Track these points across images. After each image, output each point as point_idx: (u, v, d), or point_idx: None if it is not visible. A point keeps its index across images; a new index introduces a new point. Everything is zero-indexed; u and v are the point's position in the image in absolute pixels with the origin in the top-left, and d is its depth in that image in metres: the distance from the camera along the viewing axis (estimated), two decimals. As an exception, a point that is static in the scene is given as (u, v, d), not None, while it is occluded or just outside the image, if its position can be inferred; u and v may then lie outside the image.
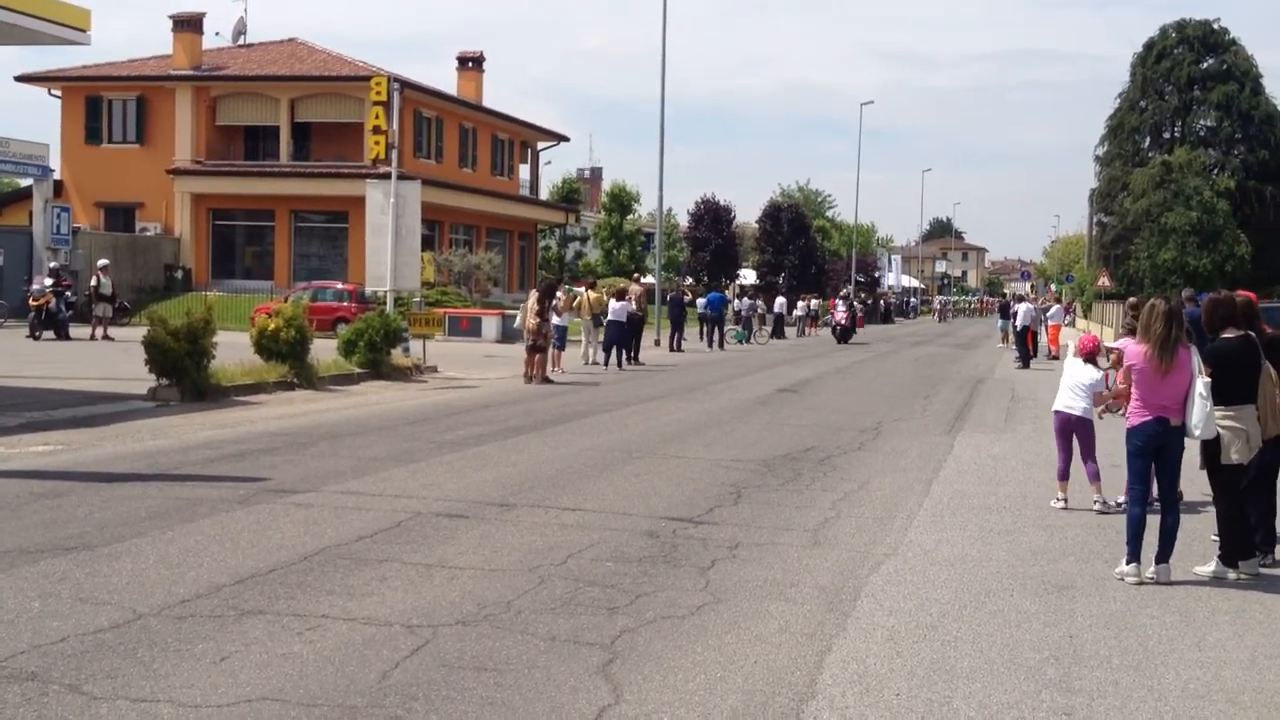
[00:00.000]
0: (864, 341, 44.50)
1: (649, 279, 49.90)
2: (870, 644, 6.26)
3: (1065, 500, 10.49)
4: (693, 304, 39.79)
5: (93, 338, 29.89)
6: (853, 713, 5.23)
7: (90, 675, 5.29)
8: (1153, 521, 7.90)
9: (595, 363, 26.91)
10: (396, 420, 15.45)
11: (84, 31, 19.59)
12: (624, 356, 27.05)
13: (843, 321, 43.45)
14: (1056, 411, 10.75)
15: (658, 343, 35.21)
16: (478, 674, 5.50)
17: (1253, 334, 7.87)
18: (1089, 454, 10.57)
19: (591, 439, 14.15)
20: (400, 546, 8.03)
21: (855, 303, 53.19)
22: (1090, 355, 10.61)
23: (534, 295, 23.07)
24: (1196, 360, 7.76)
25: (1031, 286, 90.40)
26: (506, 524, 8.94)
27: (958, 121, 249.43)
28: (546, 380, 21.81)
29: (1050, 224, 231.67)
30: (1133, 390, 7.80)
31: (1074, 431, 10.61)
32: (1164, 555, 7.78)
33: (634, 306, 27.83)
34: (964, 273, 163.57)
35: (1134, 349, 7.80)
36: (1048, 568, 8.18)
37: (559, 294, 25.98)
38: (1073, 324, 62.18)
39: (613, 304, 26.98)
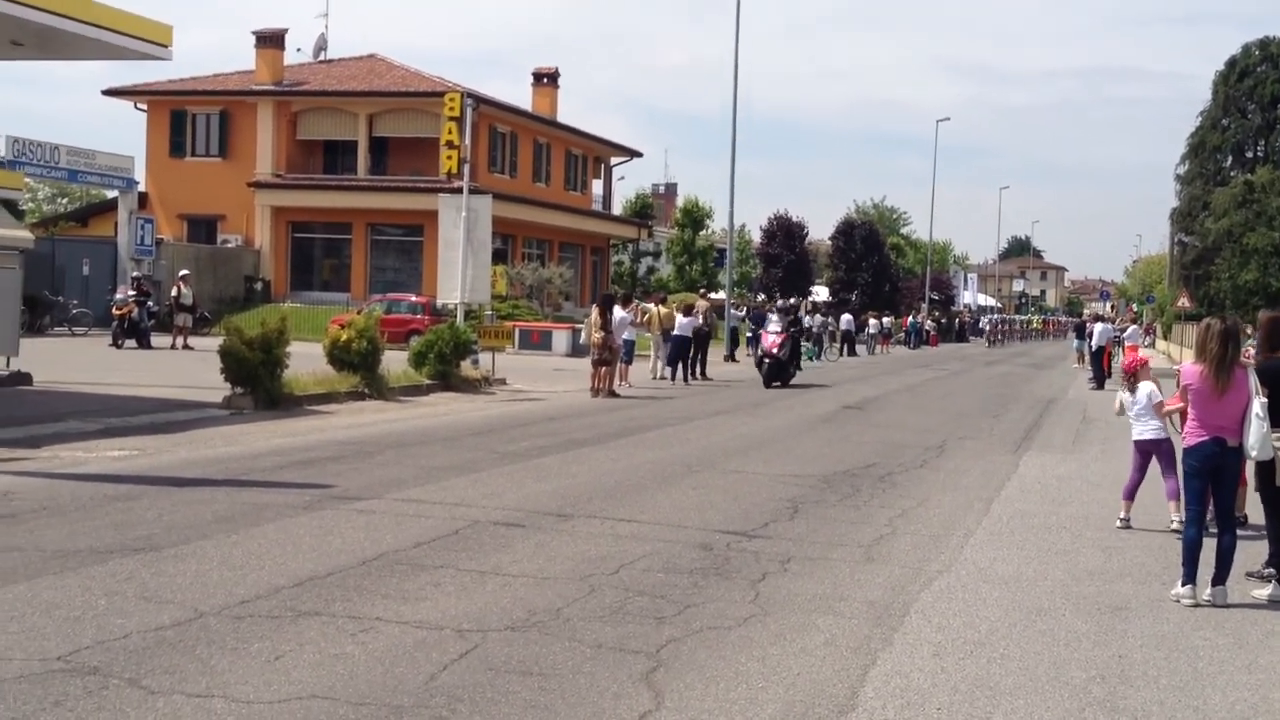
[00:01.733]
0: (925, 363, 44.04)
1: (718, 294, 49.95)
2: (915, 659, 6.28)
3: (1126, 520, 10.40)
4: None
5: (173, 347, 30.60)
6: (891, 726, 5.27)
7: (149, 670, 5.48)
8: (1211, 543, 7.82)
9: (663, 377, 27.01)
10: (462, 431, 15.67)
11: (166, 47, 20.18)
12: (689, 371, 27.14)
13: (773, 351, 26.05)
14: (1135, 441, 10.69)
15: (728, 357, 35.22)
16: (523, 678, 5.62)
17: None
18: (1169, 471, 10.51)
19: (652, 453, 14.25)
20: (456, 553, 8.18)
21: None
22: (1131, 374, 10.71)
23: (595, 309, 23.36)
24: (1254, 380, 7.68)
25: (1112, 306, 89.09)
26: (562, 534, 9.06)
27: (1036, 138, 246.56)
28: (612, 394, 21.95)
29: (1131, 243, 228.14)
30: (1189, 410, 7.74)
31: (1153, 453, 10.59)
32: (1220, 577, 7.69)
33: (700, 321, 27.92)
34: (1042, 292, 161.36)
35: (1190, 369, 7.75)
36: (1103, 588, 8.12)
37: (622, 307, 26.15)
38: (1153, 345, 61.21)
39: (680, 319, 27.09)
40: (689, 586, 7.57)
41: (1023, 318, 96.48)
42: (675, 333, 26.86)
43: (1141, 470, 10.64)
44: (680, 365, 26.78)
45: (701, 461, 13.56)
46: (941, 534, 9.84)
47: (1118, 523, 10.43)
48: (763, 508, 10.62)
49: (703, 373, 28.25)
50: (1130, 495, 10.60)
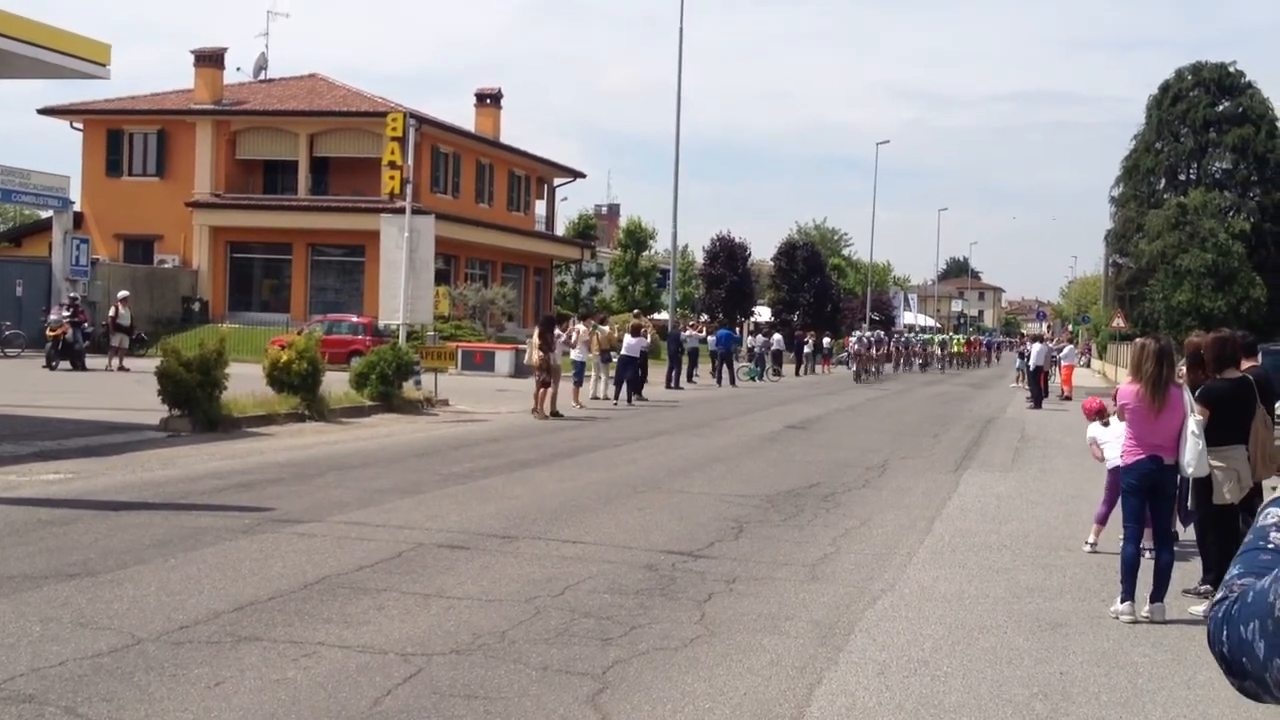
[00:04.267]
0: (866, 383, 44.43)
1: (661, 315, 50.05)
2: (860, 678, 6.30)
3: (1095, 544, 10.23)
4: (704, 341, 39.64)
5: (109, 368, 30.13)
6: (837, 745, 5.28)
7: (86, 698, 5.37)
8: (1148, 561, 7.94)
9: (604, 397, 26.93)
10: (405, 453, 15.55)
11: (104, 66, 19.91)
12: (633, 391, 27.14)
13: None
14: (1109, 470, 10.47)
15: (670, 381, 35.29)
16: (468, 702, 5.57)
17: (1249, 376, 7.93)
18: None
19: (597, 473, 14.22)
20: (400, 576, 8.11)
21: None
22: (1099, 414, 10.64)
23: (537, 330, 23.34)
24: (1188, 399, 7.82)
25: (1048, 327, 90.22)
26: (507, 555, 9.01)
27: (976, 161, 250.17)
28: (555, 414, 21.88)
29: (1067, 264, 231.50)
30: (1126, 429, 7.86)
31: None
32: (1158, 594, 7.81)
33: (648, 342, 27.94)
34: (980, 312, 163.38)
35: (1126, 388, 7.87)
36: (1043, 605, 8.21)
37: (581, 327, 26.16)
38: (1088, 364, 62.11)
39: (628, 339, 27.07)
40: (635, 607, 7.56)
41: (927, 337, 71.10)
42: (624, 353, 26.81)
43: (1111, 501, 10.37)
44: (625, 385, 26.77)
45: (646, 482, 13.55)
46: (885, 553, 9.90)
47: (1086, 547, 10.30)
48: (708, 528, 10.63)
49: (639, 393, 28.17)
50: (1103, 520, 10.36)
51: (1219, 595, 1.50)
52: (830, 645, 6.92)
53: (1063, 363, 37.64)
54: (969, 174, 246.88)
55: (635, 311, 38.66)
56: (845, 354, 56.51)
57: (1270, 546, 1.48)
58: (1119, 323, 53.58)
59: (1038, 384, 31.91)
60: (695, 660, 6.47)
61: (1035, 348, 33.53)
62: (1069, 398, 34.40)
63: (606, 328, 28.69)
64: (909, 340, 65.85)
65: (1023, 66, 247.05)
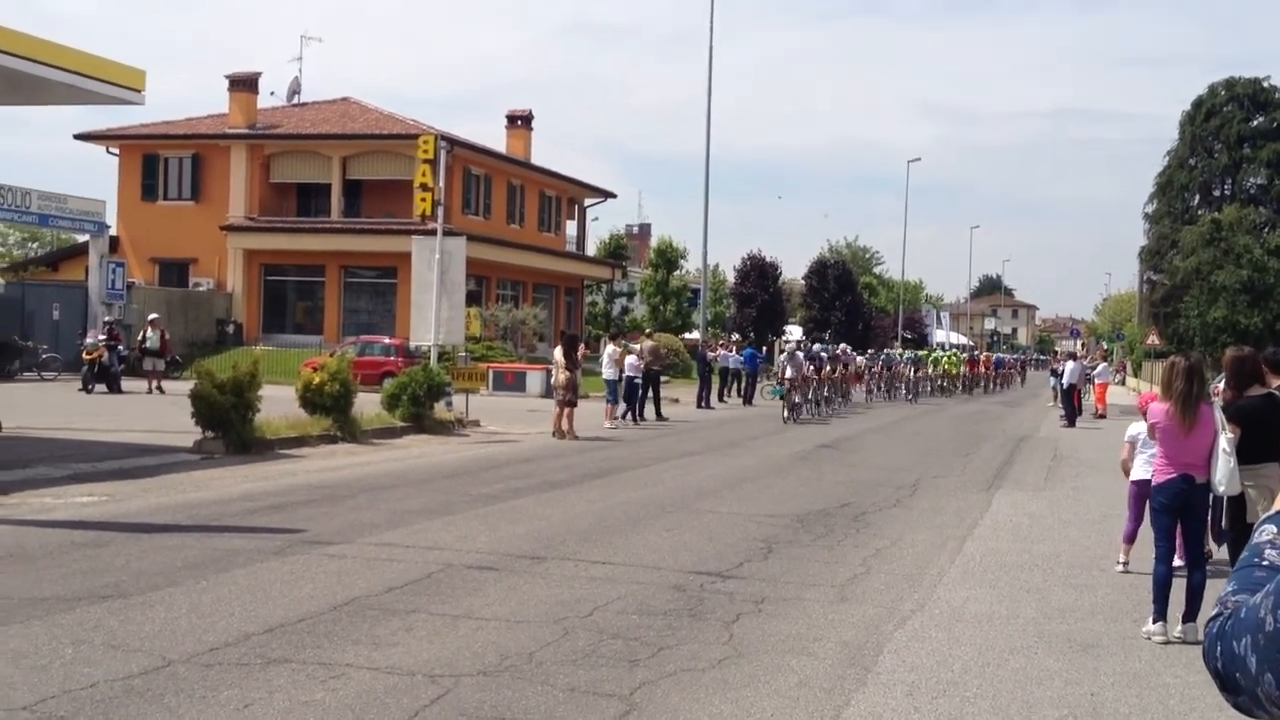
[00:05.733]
0: (896, 402, 44.05)
1: (693, 334, 49.99)
2: (889, 699, 6.28)
3: (1126, 563, 10.13)
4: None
5: (149, 391, 30.43)
6: (864, 767, 5.26)
7: (117, 720, 5.43)
8: (1181, 581, 7.87)
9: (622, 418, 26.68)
10: (435, 474, 15.61)
11: (138, 92, 20.17)
12: (640, 412, 27.08)
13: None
14: (1131, 480, 10.35)
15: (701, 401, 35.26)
16: (495, 723, 5.59)
17: (1276, 392, 7.87)
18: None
19: (626, 494, 14.23)
20: (428, 598, 8.14)
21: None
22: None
23: (559, 350, 23.21)
24: (1219, 416, 7.76)
25: (1082, 344, 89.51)
26: (535, 576, 9.03)
27: (1008, 178, 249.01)
28: (575, 436, 21.73)
29: (1101, 281, 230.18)
30: (1157, 448, 7.81)
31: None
32: (1191, 614, 7.73)
33: (642, 361, 27.50)
34: (1014, 330, 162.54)
35: (1156, 407, 7.82)
36: (1075, 626, 8.15)
37: (611, 347, 26.19)
38: (1123, 383, 61.62)
39: (629, 360, 26.90)
40: (663, 628, 7.56)
41: (921, 354, 51.40)
42: (626, 373, 26.64)
43: (1137, 516, 10.24)
44: (630, 405, 26.60)
45: (675, 502, 13.55)
46: (915, 573, 9.86)
47: (1118, 567, 10.19)
48: (736, 548, 10.62)
49: (657, 413, 28.07)
50: (1130, 539, 10.19)
51: (1214, 611, 1.50)
52: (859, 666, 6.90)
53: (1096, 381, 37.35)
54: (1001, 191, 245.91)
55: (648, 333, 38.55)
56: (775, 379, 34.72)
57: (1264, 563, 1.48)
58: (1154, 340, 53.19)
59: (1071, 402, 31.68)
60: (723, 681, 6.46)
61: (1069, 365, 33.30)
62: (1103, 416, 34.14)
63: (638, 346, 28.63)
64: (891, 359, 46.19)
65: (1054, 83, 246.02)
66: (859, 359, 42.52)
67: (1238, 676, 1.43)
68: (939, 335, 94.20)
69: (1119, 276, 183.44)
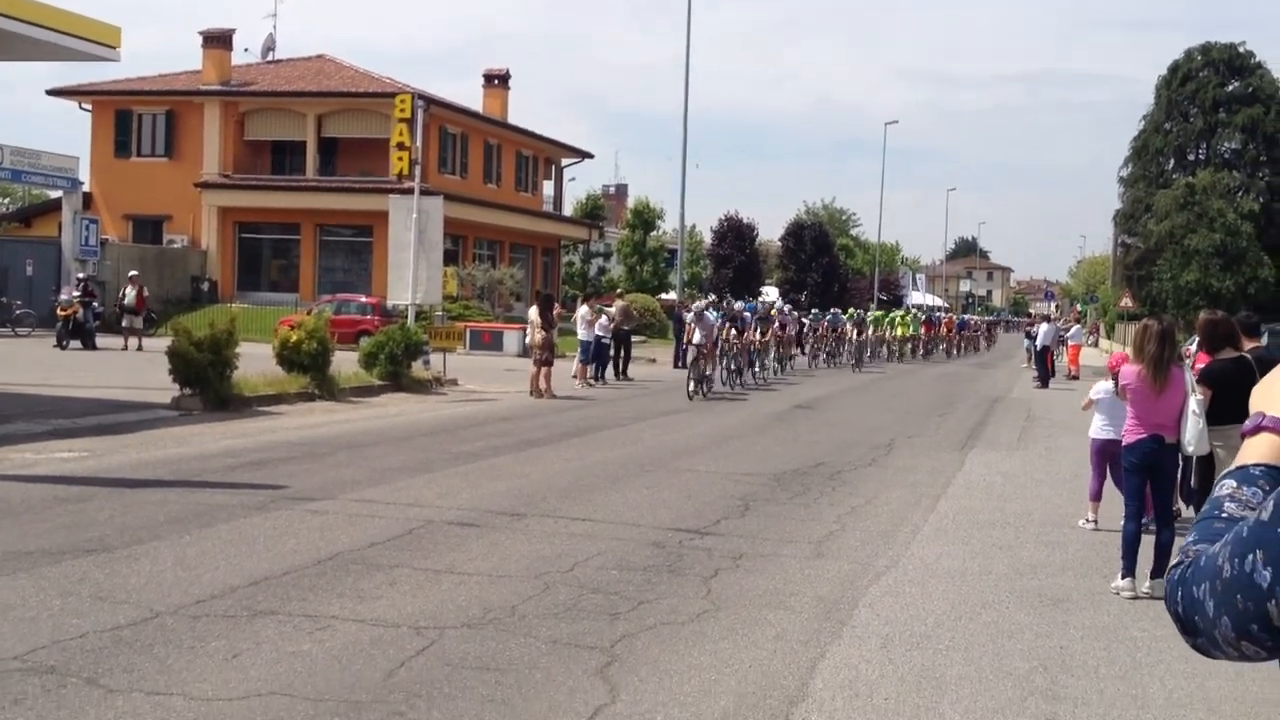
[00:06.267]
0: (871, 363, 44.26)
1: (669, 295, 50.03)
2: (863, 651, 6.42)
3: (1095, 521, 10.31)
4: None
5: (124, 348, 30.34)
6: (840, 715, 5.40)
7: (108, 669, 5.51)
8: (1149, 538, 8.04)
9: (593, 379, 26.70)
10: (414, 432, 15.69)
11: (114, 49, 20.01)
12: (616, 370, 27.30)
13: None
14: (1093, 438, 10.54)
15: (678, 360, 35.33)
16: (480, 674, 5.70)
17: (1247, 355, 8.03)
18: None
19: (604, 452, 14.35)
20: (411, 553, 8.24)
21: None
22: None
23: (534, 310, 23.11)
24: (1189, 378, 7.92)
25: (1056, 306, 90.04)
26: (516, 533, 9.14)
27: (984, 141, 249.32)
28: (552, 395, 21.80)
29: (1076, 244, 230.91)
30: (1128, 409, 7.96)
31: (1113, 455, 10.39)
32: (1158, 570, 7.90)
33: (611, 323, 27.44)
34: (989, 292, 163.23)
35: (1128, 369, 7.97)
36: (1045, 582, 8.32)
37: (584, 308, 26.22)
38: (1096, 345, 62.09)
39: (600, 321, 26.86)
40: (642, 583, 7.68)
41: (875, 315, 46.09)
42: (596, 333, 26.61)
43: (1100, 472, 10.49)
44: (597, 366, 26.61)
45: (653, 461, 13.67)
46: (889, 530, 10.02)
47: (1086, 524, 10.33)
48: (714, 506, 10.75)
49: (622, 373, 28.14)
50: (1097, 496, 10.41)
51: (1175, 560, 1.61)
52: (834, 620, 7.04)
53: (1070, 343, 37.67)
54: (978, 154, 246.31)
55: (619, 293, 38.49)
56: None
57: (1223, 515, 1.59)
58: (1127, 302, 53.60)
59: (1044, 364, 31.97)
60: (701, 634, 6.59)
61: (1042, 327, 33.56)
62: (1076, 377, 34.46)
63: (611, 309, 28.65)
64: (837, 319, 40.12)
65: (1030, 47, 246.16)
66: (804, 320, 37.70)
67: (1197, 620, 1.55)
68: (915, 297, 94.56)
69: (1094, 240, 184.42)
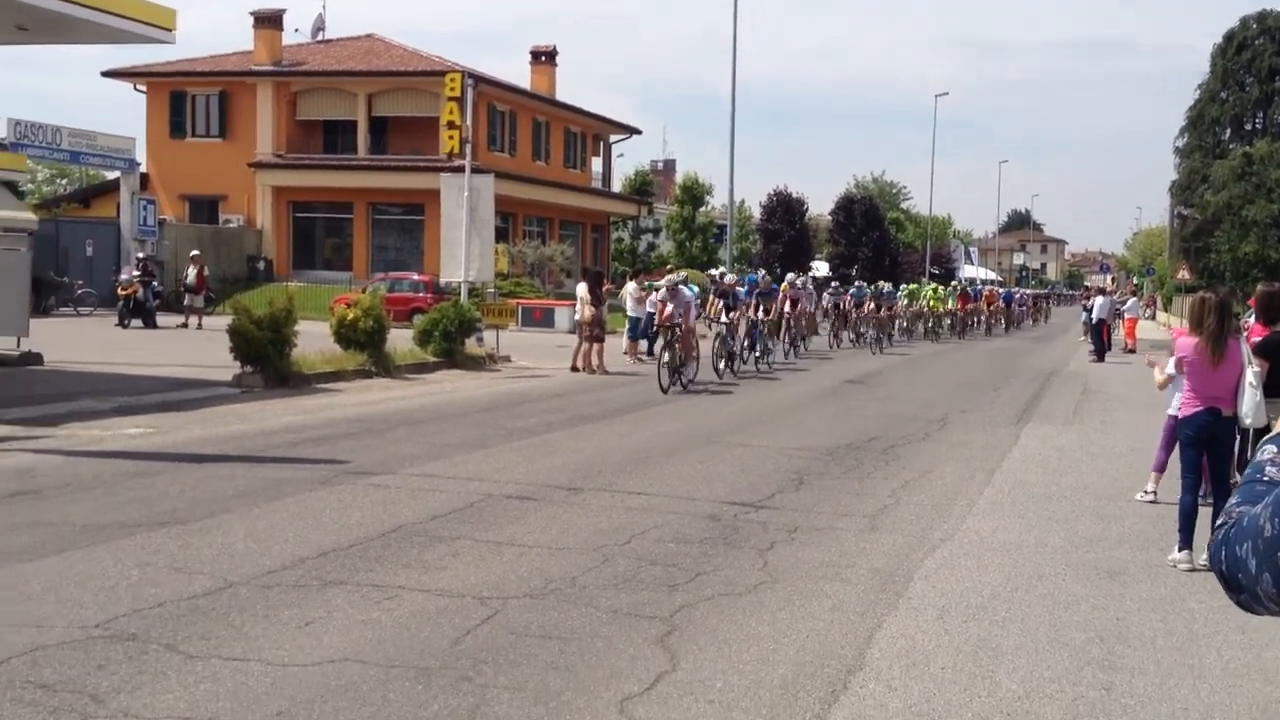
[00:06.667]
0: (924, 337, 43.84)
1: (719, 270, 49.93)
2: (920, 622, 6.50)
3: (1155, 493, 10.25)
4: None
5: (185, 326, 30.88)
6: (898, 684, 5.50)
7: (186, 636, 5.71)
8: (1207, 510, 8.05)
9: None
10: (470, 408, 15.88)
11: (170, 31, 20.28)
12: (654, 348, 27.08)
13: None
14: (1170, 415, 10.37)
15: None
16: (543, 642, 5.85)
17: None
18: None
19: (657, 427, 14.47)
20: (472, 525, 8.41)
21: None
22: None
23: (583, 286, 22.90)
24: (1246, 351, 7.90)
25: (1112, 279, 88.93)
26: (574, 506, 9.28)
27: (1035, 112, 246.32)
28: (604, 371, 21.86)
29: (1132, 216, 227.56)
30: (1185, 382, 7.96)
31: None
32: (1216, 543, 7.91)
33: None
34: (1043, 265, 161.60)
35: (1185, 341, 7.97)
36: (1102, 554, 8.35)
37: (632, 285, 26.30)
38: (1153, 317, 61.41)
39: (651, 297, 26.75)
40: (699, 555, 7.80)
41: (905, 290, 42.20)
42: (647, 310, 26.58)
43: (1168, 447, 10.30)
44: (648, 342, 26.52)
45: (706, 435, 13.78)
46: (944, 504, 10.06)
47: (1145, 496, 10.28)
48: (768, 480, 10.84)
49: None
50: (1161, 468, 10.28)
51: (1220, 521, 1.70)
52: (890, 591, 7.12)
53: (1126, 316, 37.30)
54: (1029, 125, 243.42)
55: (670, 268, 38.30)
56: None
57: (1265, 478, 1.68)
58: (1184, 275, 52.92)
59: (1100, 337, 31.70)
60: (759, 605, 6.70)
61: (1098, 301, 33.24)
62: (1133, 350, 34.15)
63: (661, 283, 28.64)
64: (862, 294, 34.99)
65: (1078, 13, 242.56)
66: (824, 296, 35.02)
67: (1240, 577, 1.64)
68: (968, 270, 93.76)
69: (1150, 211, 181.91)
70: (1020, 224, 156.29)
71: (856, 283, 39.08)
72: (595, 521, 8.74)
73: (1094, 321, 32.44)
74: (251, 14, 48.20)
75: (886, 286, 38.30)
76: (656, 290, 22.20)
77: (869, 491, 10.49)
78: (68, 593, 6.39)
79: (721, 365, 21.81)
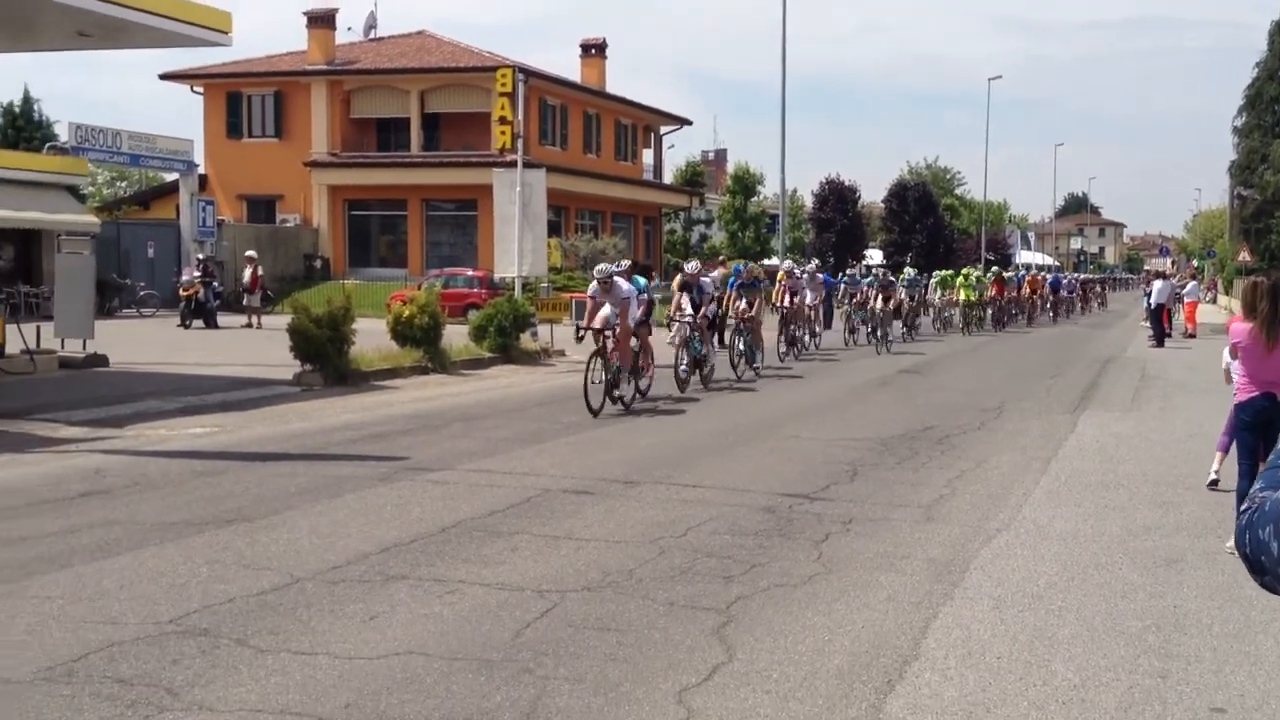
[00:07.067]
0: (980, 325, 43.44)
1: (772, 260, 49.86)
2: (975, 612, 6.54)
3: (1218, 474, 10.06)
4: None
5: (248, 326, 31.36)
6: (953, 673, 5.55)
7: (256, 631, 5.88)
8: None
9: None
10: (525, 403, 16.04)
11: (225, 33, 20.58)
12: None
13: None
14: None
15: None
16: (602, 634, 5.96)
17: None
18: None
19: (710, 421, 14.54)
20: (530, 520, 8.54)
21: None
22: None
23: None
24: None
25: (1173, 262, 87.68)
26: (630, 500, 9.39)
27: (1089, 93, 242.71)
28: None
29: (1191, 197, 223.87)
30: (1240, 366, 7.92)
31: None
32: (1275, 530, 7.87)
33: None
34: (1101, 249, 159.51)
35: (1239, 326, 7.93)
36: (1159, 543, 8.33)
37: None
38: (1214, 301, 60.52)
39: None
40: (754, 547, 7.88)
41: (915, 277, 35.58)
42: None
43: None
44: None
45: (760, 428, 13.84)
46: (1000, 493, 10.06)
47: (1211, 476, 10.13)
48: (822, 471, 10.89)
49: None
50: (1225, 449, 9.98)
51: (1244, 506, 1.76)
52: (946, 582, 7.16)
53: (1186, 299, 36.81)
54: (1083, 107, 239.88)
55: (720, 260, 38.01)
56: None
57: None
58: (1245, 256, 52.09)
59: (1160, 322, 31.33)
60: (814, 596, 6.77)
61: (1156, 285, 32.85)
62: (1193, 335, 33.73)
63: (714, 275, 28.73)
64: (855, 283, 32.98)
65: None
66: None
67: (1263, 559, 1.70)
68: (1024, 256, 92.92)
69: (1209, 192, 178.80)
70: (1078, 207, 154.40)
71: (845, 271, 34.46)
72: (651, 514, 8.84)
73: (1153, 306, 32.07)
74: (305, 14, 48.77)
75: (910, 273, 35.09)
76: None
77: (924, 482, 10.49)
78: (141, 589, 6.59)
79: (683, 372, 17.72)
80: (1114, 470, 11.37)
